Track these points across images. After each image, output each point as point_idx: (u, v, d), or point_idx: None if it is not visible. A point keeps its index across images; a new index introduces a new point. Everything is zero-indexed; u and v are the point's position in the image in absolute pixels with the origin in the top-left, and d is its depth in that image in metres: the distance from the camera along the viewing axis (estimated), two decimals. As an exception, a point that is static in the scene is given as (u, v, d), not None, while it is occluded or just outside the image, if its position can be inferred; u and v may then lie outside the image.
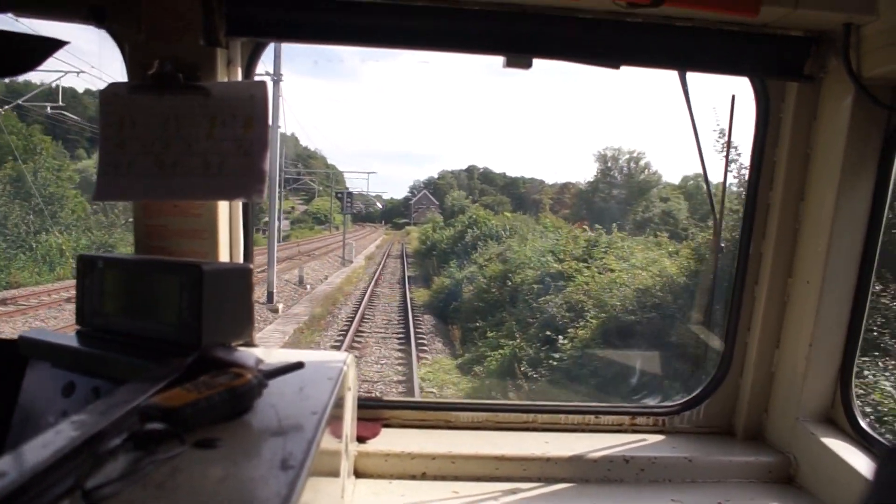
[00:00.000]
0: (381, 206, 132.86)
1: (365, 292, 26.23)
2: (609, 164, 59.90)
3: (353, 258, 42.16)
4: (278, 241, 27.78)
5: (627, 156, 59.16)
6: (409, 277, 34.33)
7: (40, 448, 0.97)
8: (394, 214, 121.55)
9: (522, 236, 28.16)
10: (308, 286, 26.91)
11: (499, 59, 2.28)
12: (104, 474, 0.97)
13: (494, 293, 20.30)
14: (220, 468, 1.04)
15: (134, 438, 1.05)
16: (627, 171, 58.96)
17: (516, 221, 34.75)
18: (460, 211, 52.53)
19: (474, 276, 24.12)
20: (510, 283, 19.44)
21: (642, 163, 58.71)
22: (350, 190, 55.17)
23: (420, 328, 20.11)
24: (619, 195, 54.73)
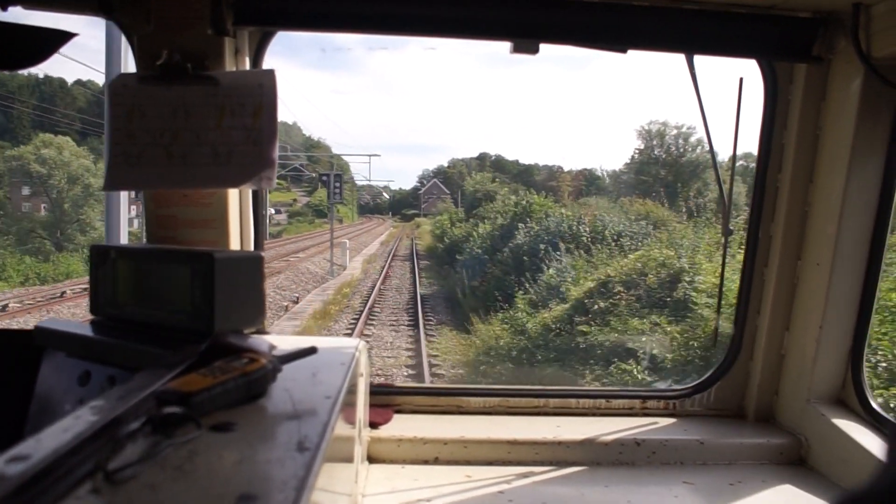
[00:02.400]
0: (388, 197, 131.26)
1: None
2: (654, 142, 49.58)
3: (347, 262, 32.06)
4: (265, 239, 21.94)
5: (675, 131, 48.68)
6: (423, 300, 22.39)
7: (61, 432, 0.99)
8: (402, 205, 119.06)
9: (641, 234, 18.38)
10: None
11: (505, 46, 2.28)
12: (124, 457, 0.98)
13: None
14: (236, 451, 1.06)
15: (152, 422, 1.06)
16: (675, 148, 48.32)
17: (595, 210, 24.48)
18: (486, 198, 40.50)
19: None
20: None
21: (693, 139, 47.30)
22: (339, 172, 40.34)
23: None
24: (665, 177, 45.36)
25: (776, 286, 2.57)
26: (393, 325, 18.15)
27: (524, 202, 26.99)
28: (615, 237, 19.19)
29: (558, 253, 18.61)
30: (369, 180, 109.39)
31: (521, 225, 23.02)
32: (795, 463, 2.49)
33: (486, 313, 18.20)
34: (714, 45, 2.34)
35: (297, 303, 20.03)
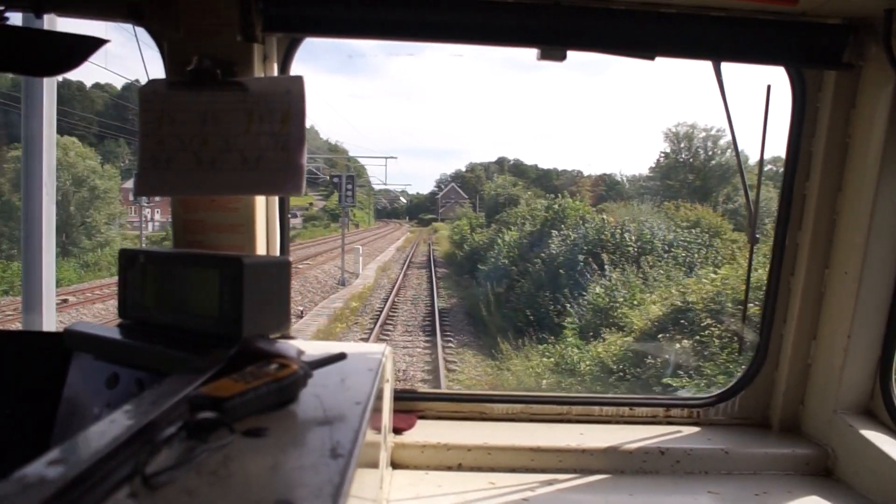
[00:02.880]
0: (405, 202, 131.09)
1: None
2: (682, 145, 47.94)
3: (360, 269, 30.39)
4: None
5: (703, 134, 47.04)
6: (442, 316, 20.19)
7: (98, 436, 1.00)
8: (420, 210, 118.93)
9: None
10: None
11: (520, 52, 2.28)
12: (161, 462, 0.99)
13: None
14: (270, 457, 1.06)
15: (187, 427, 1.06)
16: (704, 152, 46.74)
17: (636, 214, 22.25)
18: (508, 202, 39.07)
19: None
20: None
21: (722, 142, 45.37)
22: (352, 174, 37.35)
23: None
24: (693, 181, 43.81)
25: (803, 295, 2.54)
26: (407, 348, 15.99)
27: (556, 206, 24.57)
28: (666, 247, 17.27)
29: (596, 265, 16.05)
30: (385, 184, 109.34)
31: (553, 232, 20.84)
32: (822, 474, 2.45)
33: (517, 336, 15.83)
34: (742, 52, 2.33)
35: (301, 317, 18.28)
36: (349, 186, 32.18)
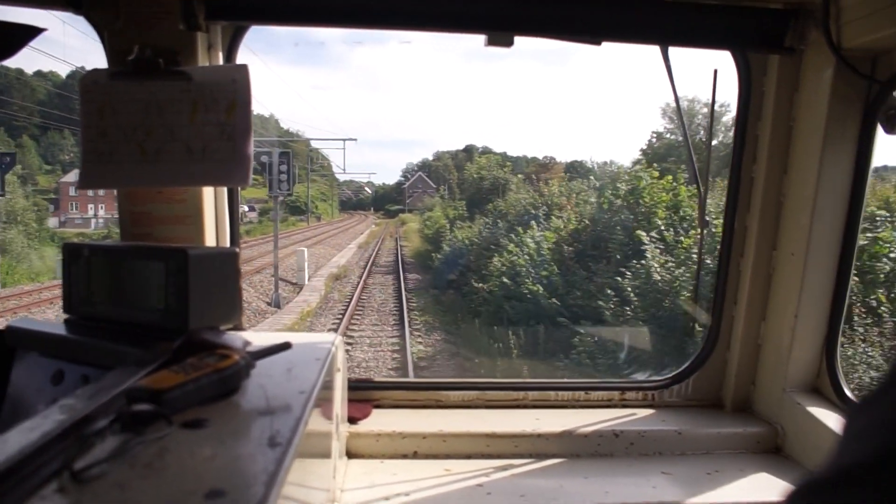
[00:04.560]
0: (370, 192, 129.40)
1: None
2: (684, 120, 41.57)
3: (306, 279, 23.85)
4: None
5: (706, 109, 40.93)
6: (417, 368, 13.47)
7: (28, 431, 0.98)
8: (386, 201, 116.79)
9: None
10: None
11: (483, 43, 2.27)
12: (92, 456, 0.97)
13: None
14: (207, 448, 1.05)
15: (121, 420, 1.05)
16: (708, 129, 41.16)
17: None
18: (495, 190, 32.24)
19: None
20: None
21: (725, 119, 38.33)
22: (285, 150, 25.14)
23: None
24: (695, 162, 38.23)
25: (752, 276, 2.59)
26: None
27: (622, 187, 16.00)
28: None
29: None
30: (344, 170, 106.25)
31: (622, 235, 13.60)
32: (772, 451, 2.51)
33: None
34: (689, 36, 2.36)
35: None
36: (283, 168, 22.02)
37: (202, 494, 0.89)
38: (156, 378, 1.19)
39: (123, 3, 2.02)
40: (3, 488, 0.86)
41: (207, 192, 2.16)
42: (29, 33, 1.97)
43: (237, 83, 1.94)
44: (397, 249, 37.76)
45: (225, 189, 2.28)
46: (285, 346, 1.45)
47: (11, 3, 2.15)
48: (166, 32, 2.03)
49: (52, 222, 55.96)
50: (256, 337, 1.68)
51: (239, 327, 1.80)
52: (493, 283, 17.76)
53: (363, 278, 25.44)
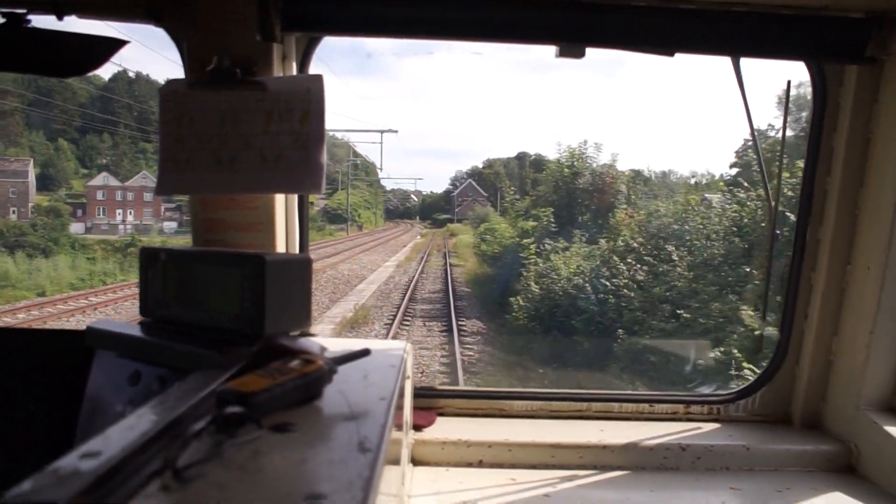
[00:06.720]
0: (416, 200, 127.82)
1: None
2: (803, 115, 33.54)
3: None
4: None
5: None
6: None
7: (128, 430, 1.00)
8: (433, 210, 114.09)
9: None
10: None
11: (534, 54, 2.26)
12: (190, 456, 0.99)
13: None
14: (298, 451, 1.06)
15: (215, 422, 1.06)
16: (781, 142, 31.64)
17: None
18: (593, 194, 23.17)
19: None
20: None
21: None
22: None
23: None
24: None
25: (824, 290, 2.52)
26: None
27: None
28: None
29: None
30: (381, 168, 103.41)
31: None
32: (845, 470, 2.43)
33: None
34: (762, 47, 2.31)
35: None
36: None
37: (301, 498, 0.90)
38: (243, 381, 1.21)
39: (202, 15, 2.07)
40: (111, 484, 0.87)
41: (279, 200, 2.19)
42: (113, 46, 2.04)
43: (311, 93, 1.97)
44: (446, 271, 29.18)
45: (296, 197, 2.32)
46: (364, 353, 1.45)
47: (92, 16, 2.23)
48: (243, 43, 2.07)
49: (77, 228, 54.42)
50: (329, 343, 1.68)
51: (308, 333, 1.81)
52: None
53: (393, 325, 16.71)
